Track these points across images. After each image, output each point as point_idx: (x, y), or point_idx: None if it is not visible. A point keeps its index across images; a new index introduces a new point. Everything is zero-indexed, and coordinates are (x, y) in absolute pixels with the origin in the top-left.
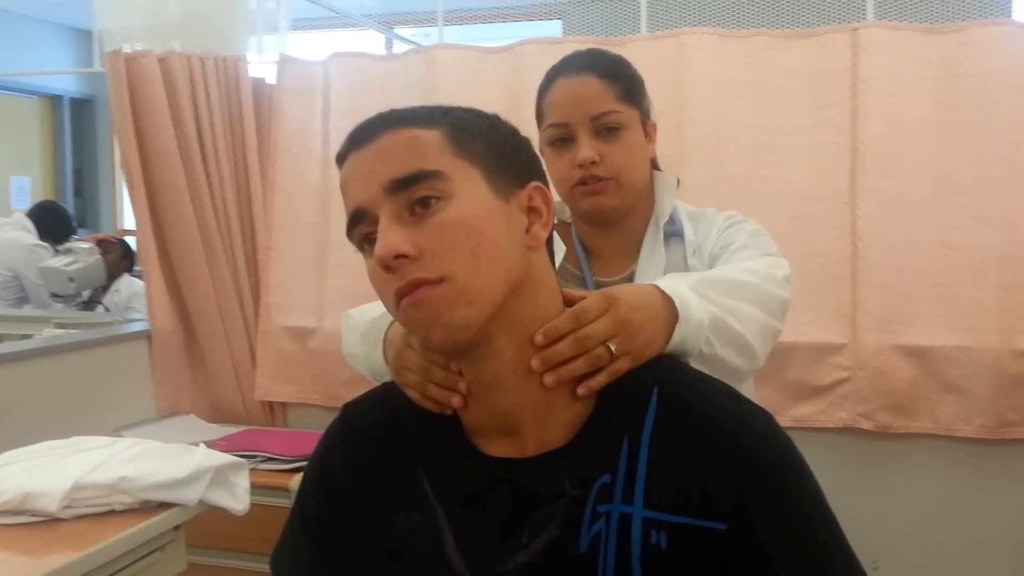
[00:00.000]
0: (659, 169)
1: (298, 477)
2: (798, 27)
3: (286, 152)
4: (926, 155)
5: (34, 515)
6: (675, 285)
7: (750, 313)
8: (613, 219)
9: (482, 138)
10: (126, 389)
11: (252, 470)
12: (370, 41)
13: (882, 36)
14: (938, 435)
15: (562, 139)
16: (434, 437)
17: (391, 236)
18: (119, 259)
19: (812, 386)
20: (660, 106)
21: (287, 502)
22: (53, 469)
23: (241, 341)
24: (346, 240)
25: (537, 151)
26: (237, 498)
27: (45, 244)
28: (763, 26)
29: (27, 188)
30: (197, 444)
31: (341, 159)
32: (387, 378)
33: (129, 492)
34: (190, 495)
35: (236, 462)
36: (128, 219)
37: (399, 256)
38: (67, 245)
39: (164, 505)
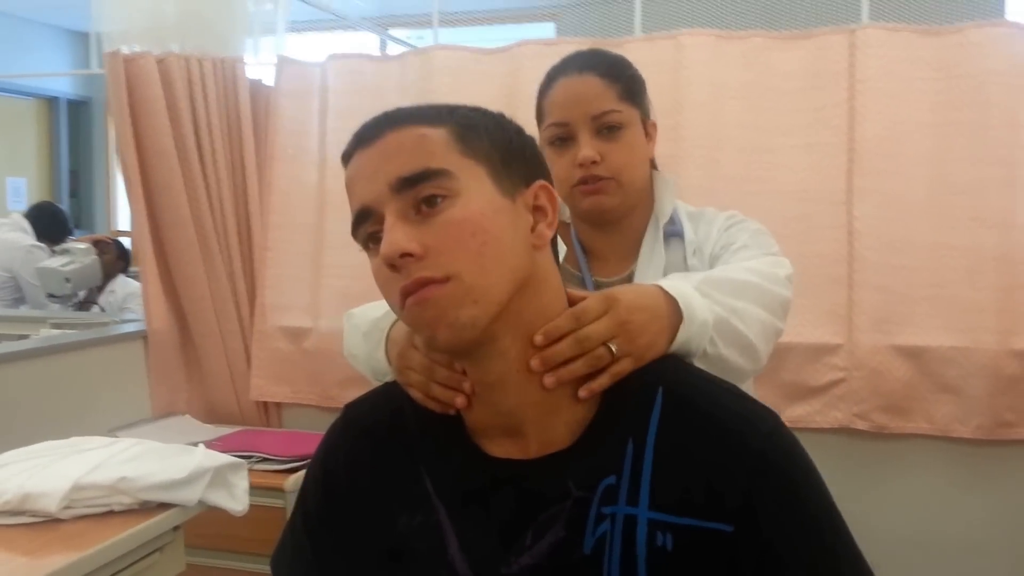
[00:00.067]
0: (656, 169)
1: (294, 477)
2: (794, 29)
3: (283, 153)
4: (923, 156)
5: (34, 515)
6: (679, 285)
7: (753, 313)
8: (613, 219)
9: (488, 136)
10: (121, 389)
11: (248, 470)
12: (365, 43)
13: (879, 37)
14: (934, 436)
15: (562, 138)
16: (437, 437)
17: (397, 235)
18: (114, 260)
19: (807, 386)
20: (657, 107)
21: (282, 502)
22: (53, 469)
23: (236, 341)
24: (342, 241)
25: None
26: (236, 499)
27: (42, 245)
28: (757, 28)
29: (23, 189)
30: (197, 444)
31: (347, 157)
32: (389, 378)
33: (129, 492)
34: (189, 495)
35: (235, 463)
36: (123, 220)
37: (405, 255)
38: (64, 246)
39: (163, 506)
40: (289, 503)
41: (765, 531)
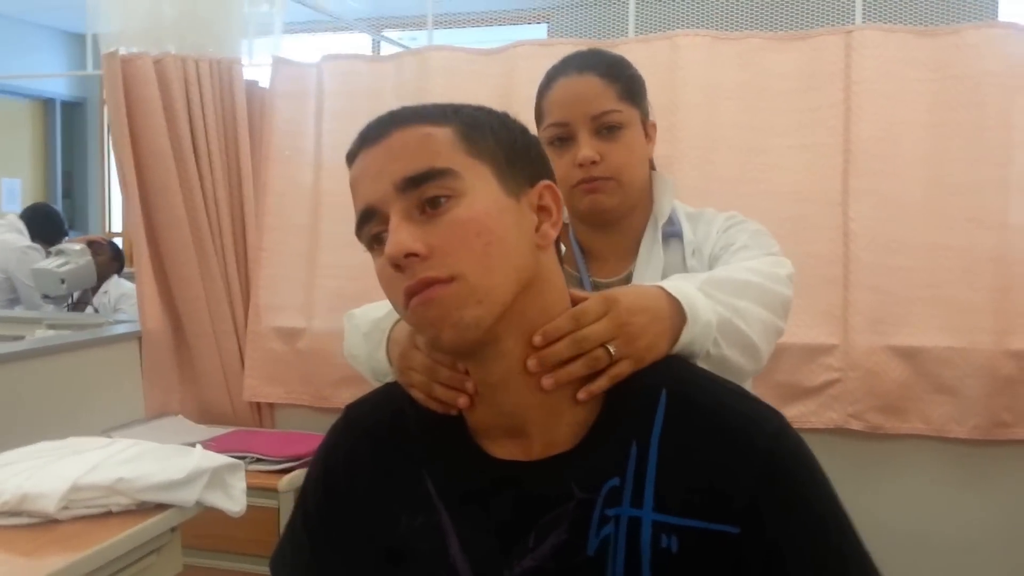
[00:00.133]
0: (654, 169)
1: (287, 478)
2: (788, 30)
3: (279, 154)
4: (919, 156)
5: (31, 516)
6: (682, 286)
7: (756, 313)
8: (612, 219)
9: (493, 136)
10: (115, 390)
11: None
12: (358, 45)
13: (875, 38)
14: (930, 436)
15: (562, 138)
16: (438, 438)
17: (402, 235)
18: (109, 261)
19: (802, 387)
20: (652, 107)
21: (276, 503)
22: (50, 470)
23: (230, 342)
24: (337, 241)
25: None
26: (233, 499)
27: (37, 246)
28: (751, 29)
29: (18, 190)
30: (195, 445)
31: (352, 157)
32: (389, 379)
33: (127, 493)
34: (187, 496)
35: (233, 463)
36: (117, 221)
37: (410, 255)
38: (59, 247)
39: (160, 506)
40: (283, 504)
41: (771, 532)
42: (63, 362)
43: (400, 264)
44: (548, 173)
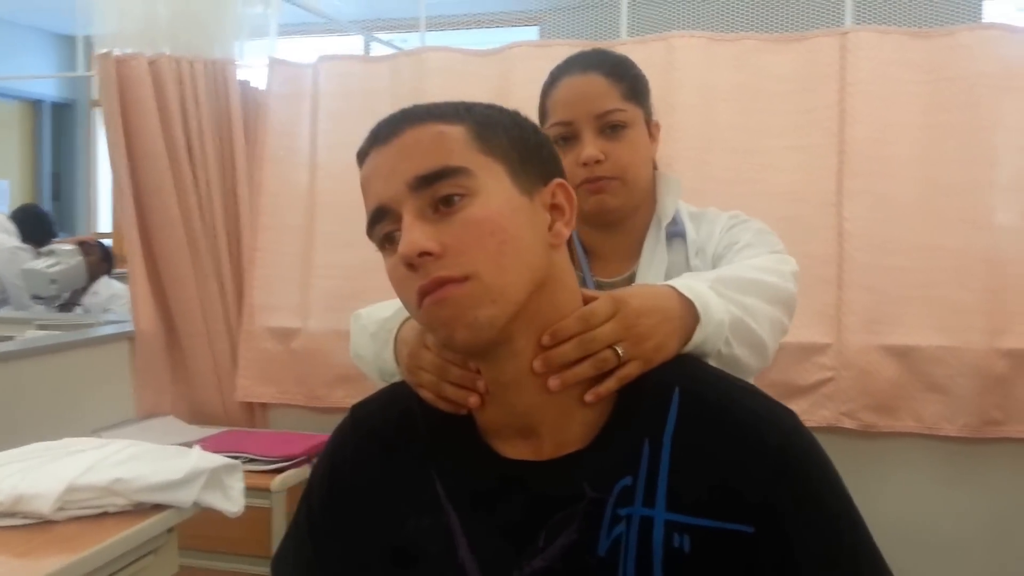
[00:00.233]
0: (657, 169)
1: (280, 478)
2: (781, 32)
3: (274, 154)
4: (913, 157)
5: (26, 517)
6: (694, 286)
7: (765, 311)
8: (616, 219)
9: (506, 134)
10: (106, 390)
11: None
12: (350, 47)
13: (870, 40)
14: (922, 434)
15: (565, 138)
16: (447, 438)
17: (415, 234)
18: (98, 261)
19: (796, 386)
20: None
21: (268, 503)
22: (46, 471)
23: (223, 342)
24: (332, 241)
25: None
26: (231, 500)
27: (26, 246)
28: (744, 31)
29: (6, 191)
30: (192, 446)
31: (363, 156)
32: (396, 379)
33: (123, 494)
34: (185, 497)
35: (231, 464)
36: (104, 223)
37: (423, 254)
38: (49, 247)
39: (157, 507)
40: (275, 504)
41: (786, 532)
42: (53, 362)
43: (413, 263)
44: (560, 172)
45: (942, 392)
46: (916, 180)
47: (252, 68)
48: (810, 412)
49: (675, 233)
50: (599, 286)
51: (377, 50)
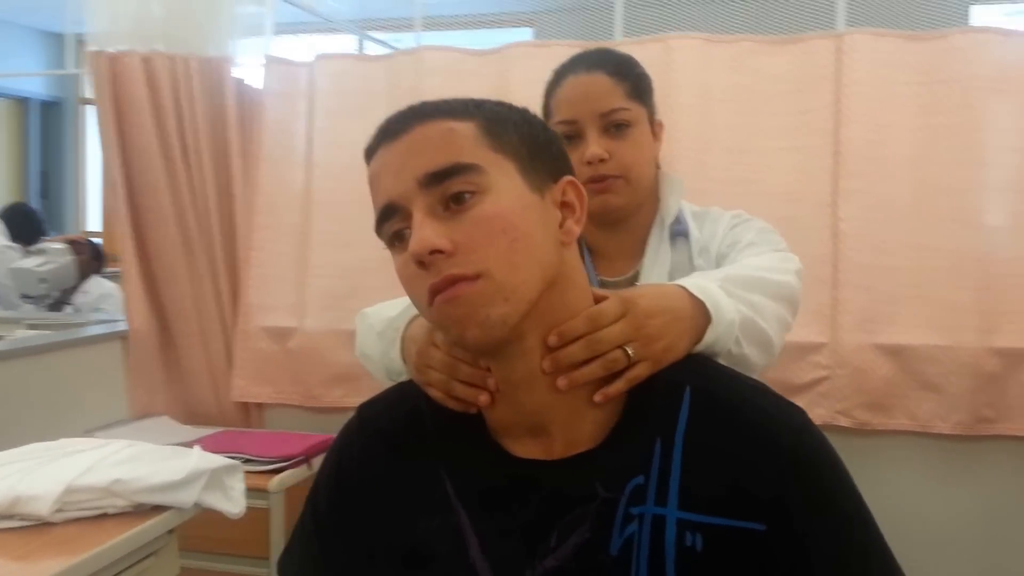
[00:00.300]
0: (660, 169)
1: (278, 478)
2: (775, 33)
3: (270, 153)
4: (907, 158)
5: (24, 519)
6: (705, 285)
7: (772, 309)
8: (619, 218)
9: (516, 131)
10: (99, 390)
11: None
12: (343, 47)
13: (866, 42)
14: (916, 432)
15: (569, 136)
16: (457, 437)
17: (426, 231)
18: (89, 260)
19: (791, 384)
20: None
21: (266, 504)
22: (44, 472)
23: (218, 342)
24: (328, 240)
25: None
26: (232, 501)
27: (15, 245)
28: (738, 33)
29: None
30: (192, 446)
31: (371, 152)
32: (403, 378)
33: (123, 495)
34: (186, 498)
35: (232, 464)
36: (93, 221)
37: (435, 252)
38: (39, 246)
39: (157, 508)
40: (273, 504)
41: (797, 530)
42: (45, 362)
43: (424, 261)
44: (569, 169)
45: (935, 390)
46: (910, 181)
47: (247, 67)
48: (806, 410)
49: (678, 232)
50: (603, 285)
51: (371, 50)
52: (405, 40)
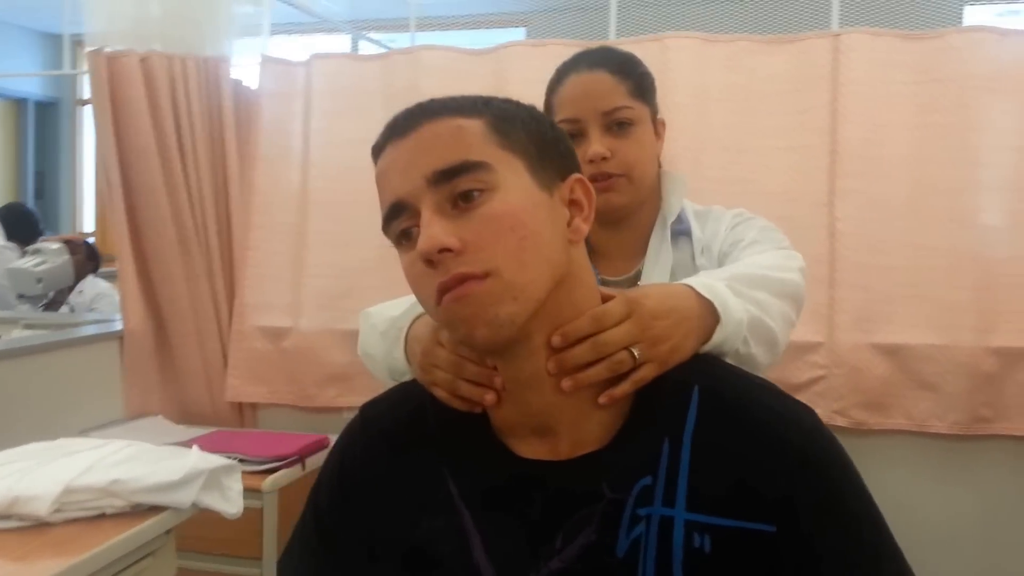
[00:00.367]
0: (661, 167)
1: (272, 478)
2: (770, 33)
3: (266, 152)
4: (904, 158)
5: (22, 519)
6: (713, 285)
7: (778, 307)
8: (621, 216)
9: (524, 128)
10: (95, 390)
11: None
12: (339, 47)
13: (862, 42)
14: (913, 431)
15: (571, 135)
16: (461, 437)
17: (435, 229)
18: (84, 260)
19: (788, 384)
20: None
21: (260, 504)
22: (42, 472)
23: (213, 341)
24: (324, 240)
25: None
26: (230, 501)
27: (12, 245)
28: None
29: None
30: (190, 446)
31: (378, 150)
32: (407, 377)
33: (121, 495)
34: (183, 498)
35: (229, 464)
36: (88, 221)
37: (443, 250)
38: (35, 246)
39: (154, 508)
40: (267, 505)
41: (807, 531)
42: (41, 362)
43: (433, 260)
44: (577, 167)
45: (932, 390)
46: (907, 180)
47: (244, 67)
48: None
49: (680, 231)
50: (604, 284)
51: (365, 50)
52: (399, 40)
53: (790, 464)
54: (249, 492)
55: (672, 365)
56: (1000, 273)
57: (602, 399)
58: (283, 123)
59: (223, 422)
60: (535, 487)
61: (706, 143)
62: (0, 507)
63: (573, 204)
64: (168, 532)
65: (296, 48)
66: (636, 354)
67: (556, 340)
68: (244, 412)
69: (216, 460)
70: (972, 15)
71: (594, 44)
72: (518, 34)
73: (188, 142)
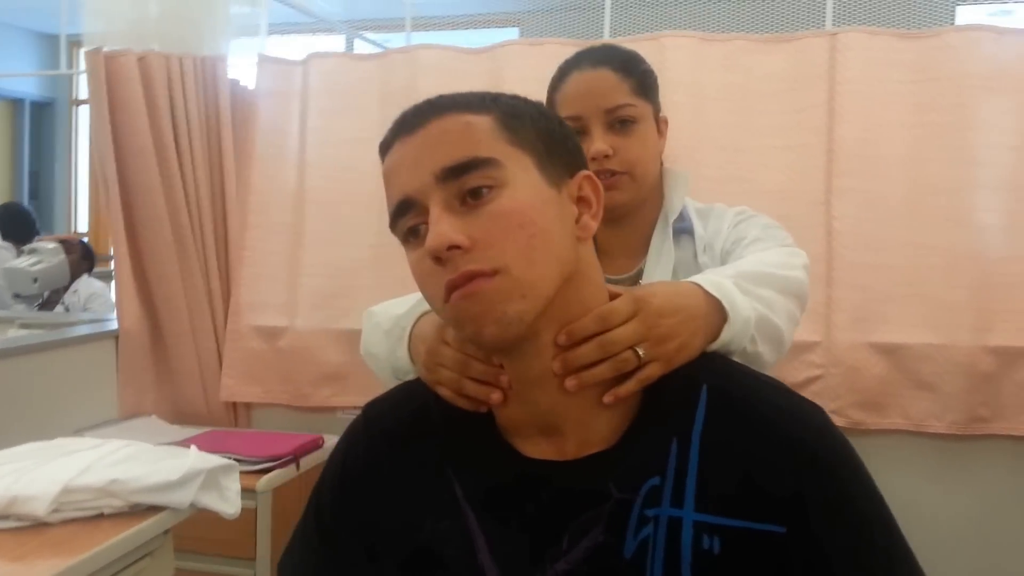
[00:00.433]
0: (663, 165)
1: (266, 479)
2: (763, 33)
3: (263, 152)
4: (901, 157)
5: (19, 519)
6: (720, 282)
7: (784, 306)
8: (623, 214)
9: (533, 124)
10: (91, 390)
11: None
12: (334, 47)
13: (859, 40)
14: (910, 431)
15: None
16: (466, 437)
17: (444, 226)
18: (79, 260)
19: (785, 383)
20: None
21: (253, 504)
22: (40, 472)
23: (209, 341)
24: (321, 239)
25: None
26: (228, 501)
27: (8, 244)
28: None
29: None
30: (188, 446)
31: (386, 147)
32: (410, 377)
33: (119, 495)
34: (182, 498)
35: (228, 464)
36: (83, 221)
37: (452, 247)
38: (31, 246)
39: (152, 508)
40: (260, 505)
41: (817, 532)
42: (36, 362)
43: (442, 257)
44: (584, 164)
45: (930, 389)
46: (904, 179)
47: (241, 67)
48: None
49: (682, 229)
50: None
51: (360, 50)
52: (394, 40)
53: (800, 463)
54: (243, 492)
55: (678, 364)
56: (998, 272)
57: (607, 398)
58: (280, 122)
59: (217, 422)
60: (541, 487)
61: (703, 142)
62: None
63: (581, 201)
64: (166, 532)
65: (292, 49)
66: (641, 353)
67: (562, 339)
68: (238, 412)
69: (215, 460)
70: (964, 15)
71: (592, 43)
72: (511, 33)
73: (185, 141)
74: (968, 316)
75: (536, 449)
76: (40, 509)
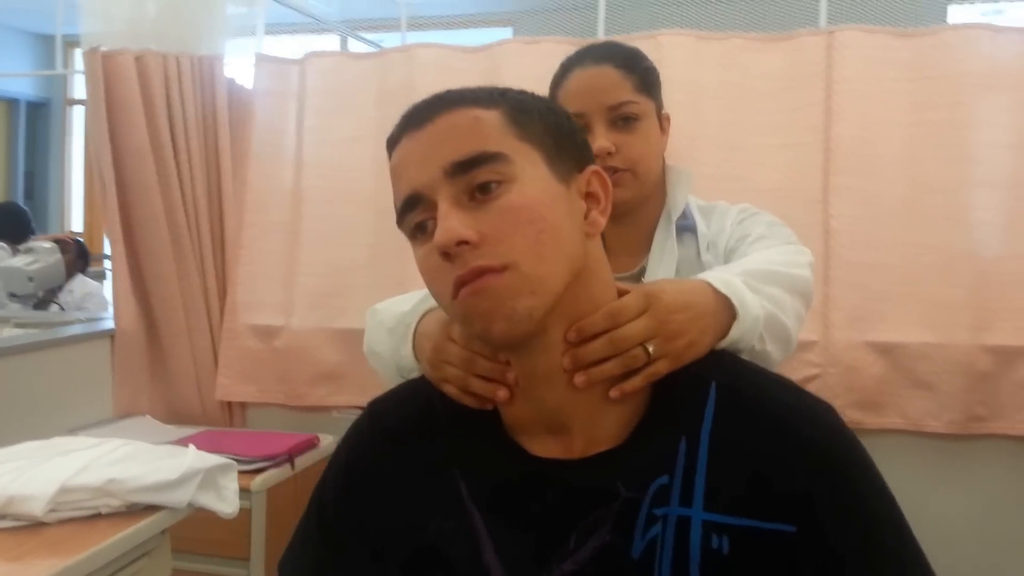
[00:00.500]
0: (665, 162)
1: (260, 478)
2: (758, 31)
3: (259, 151)
4: (898, 155)
5: (17, 519)
6: (730, 280)
7: (791, 303)
8: (625, 212)
9: (541, 119)
10: (86, 389)
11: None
12: (329, 47)
13: (856, 39)
14: (908, 431)
15: None
16: (472, 435)
17: (452, 222)
18: (74, 259)
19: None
20: None
21: (248, 504)
22: (37, 471)
23: (205, 340)
24: (317, 239)
25: None
26: (226, 500)
27: (3, 244)
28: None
29: None
30: (188, 446)
31: (393, 142)
32: (414, 375)
33: (117, 495)
34: (180, 497)
35: (226, 464)
36: (77, 221)
37: (461, 243)
38: (27, 245)
39: (150, 508)
40: (255, 505)
41: (827, 532)
42: (31, 361)
43: (450, 252)
44: (592, 159)
45: (927, 388)
46: (901, 177)
47: (238, 66)
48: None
49: (685, 227)
50: None
51: (355, 50)
52: (389, 40)
53: (810, 462)
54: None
55: (687, 361)
56: (995, 271)
57: (613, 393)
58: (277, 121)
59: (212, 422)
60: (547, 486)
61: (700, 141)
62: None
63: (590, 196)
64: (164, 532)
65: (288, 48)
66: (650, 350)
67: (571, 335)
68: (233, 411)
69: (213, 459)
70: (955, 15)
71: (589, 41)
72: (505, 33)
73: (182, 140)
74: (966, 315)
75: (543, 447)
76: (37, 509)
